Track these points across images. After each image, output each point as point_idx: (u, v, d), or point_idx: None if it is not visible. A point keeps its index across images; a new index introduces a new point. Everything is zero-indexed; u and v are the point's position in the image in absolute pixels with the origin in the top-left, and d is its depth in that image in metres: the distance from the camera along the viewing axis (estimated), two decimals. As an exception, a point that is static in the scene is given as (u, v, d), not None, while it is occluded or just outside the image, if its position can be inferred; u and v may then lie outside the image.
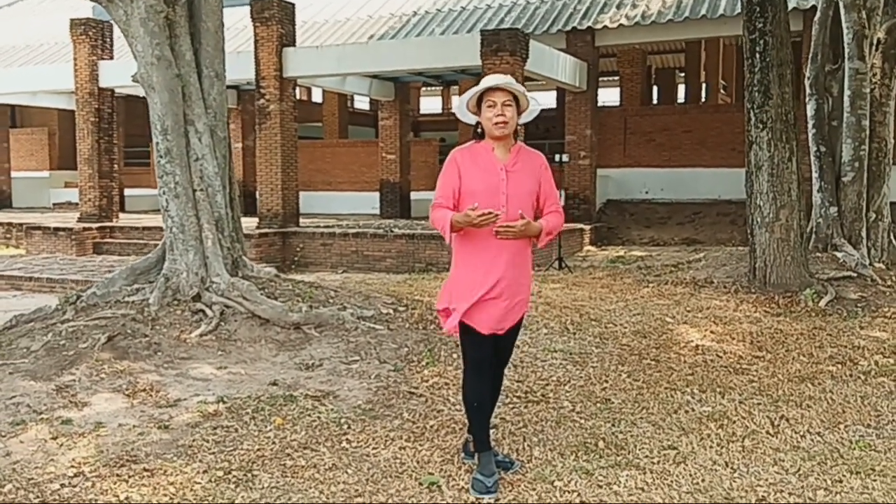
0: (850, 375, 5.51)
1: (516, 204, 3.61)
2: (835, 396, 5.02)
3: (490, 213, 3.41)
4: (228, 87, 18.97)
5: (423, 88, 26.44)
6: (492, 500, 3.55)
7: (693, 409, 4.79)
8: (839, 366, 5.76)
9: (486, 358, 3.72)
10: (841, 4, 9.13)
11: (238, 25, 18.12)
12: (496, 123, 3.56)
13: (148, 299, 6.16)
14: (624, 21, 14.78)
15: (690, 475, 3.80)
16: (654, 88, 26.53)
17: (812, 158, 9.46)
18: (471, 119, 3.69)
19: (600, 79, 24.65)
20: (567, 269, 10.95)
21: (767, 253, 8.19)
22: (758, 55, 8.11)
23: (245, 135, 19.94)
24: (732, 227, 14.45)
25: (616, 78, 24.68)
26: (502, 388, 4.19)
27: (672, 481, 3.73)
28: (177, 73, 6.16)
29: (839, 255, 8.96)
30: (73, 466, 3.84)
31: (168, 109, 6.10)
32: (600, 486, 3.68)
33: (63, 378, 4.96)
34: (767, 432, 4.37)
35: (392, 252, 12.26)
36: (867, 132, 9.12)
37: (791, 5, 13.50)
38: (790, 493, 3.59)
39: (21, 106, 23.96)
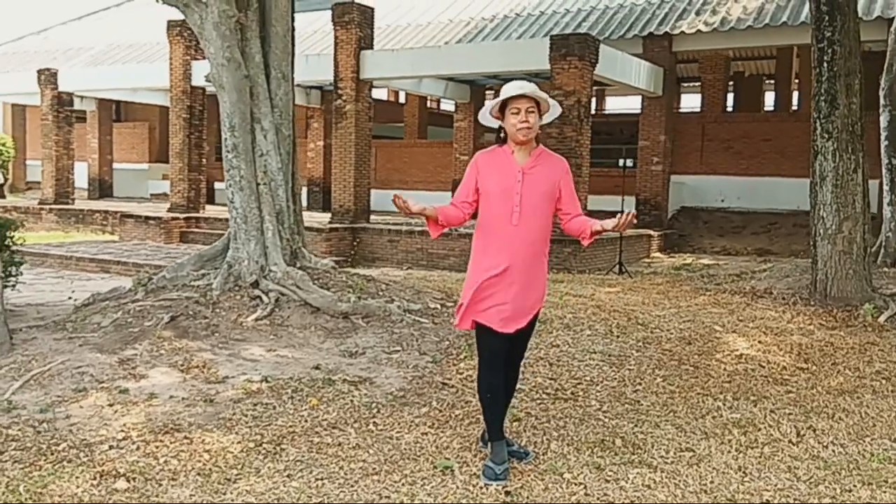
0: (893, 391, 5.42)
1: (530, 205, 3.79)
2: (869, 410, 4.96)
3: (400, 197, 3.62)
4: (313, 87, 19.69)
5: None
6: (499, 487, 3.71)
7: (721, 416, 4.82)
8: (884, 381, 5.65)
9: (499, 353, 3.87)
10: (921, 13, 8.85)
11: (325, 28, 18.71)
12: (520, 129, 3.73)
13: (211, 284, 6.57)
14: (702, 27, 14.60)
15: (700, 476, 3.87)
16: (738, 95, 25.92)
17: (883, 171, 9.21)
18: (494, 123, 3.87)
19: (684, 84, 24.35)
20: (627, 275, 10.94)
21: (829, 265, 8.03)
22: (825, 64, 7.97)
23: (327, 133, 20.54)
24: (808, 238, 14.03)
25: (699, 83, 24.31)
26: (533, 384, 4.35)
27: (680, 481, 3.82)
28: (245, 74, 6.55)
29: (908, 270, 8.68)
30: (122, 431, 4.21)
31: (236, 108, 6.50)
32: (608, 482, 3.80)
33: (126, 352, 5.38)
34: (790, 441, 4.39)
35: (455, 251, 12.50)
36: (944, 145, 8.81)
37: (875, 13, 13.08)
38: (795, 499, 3.63)
39: (125, 102, 25.36)
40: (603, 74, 12.54)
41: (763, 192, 15.62)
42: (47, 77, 20.27)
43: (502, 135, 3.85)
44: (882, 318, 7.37)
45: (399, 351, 5.98)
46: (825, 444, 4.36)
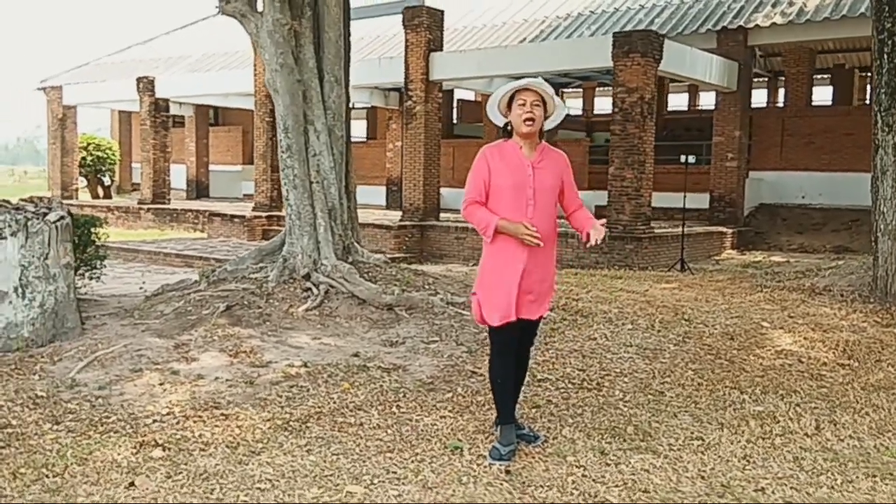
0: (935, 389, 5.30)
1: (542, 198, 3.97)
2: (902, 407, 4.90)
3: (536, 236, 3.83)
4: (392, 90, 20.14)
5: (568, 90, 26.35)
6: (502, 466, 3.90)
7: (743, 408, 4.86)
8: (929, 379, 5.53)
9: (510, 341, 4.06)
10: None
11: (399, 32, 19.15)
12: (525, 120, 3.91)
13: (268, 277, 6.99)
14: (777, 19, 14.23)
15: (702, 462, 3.96)
16: (835, 88, 24.94)
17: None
18: (500, 120, 4.06)
19: (770, 79, 23.57)
20: (689, 272, 10.84)
21: (889, 262, 7.83)
22: (885, 56, 7.77)
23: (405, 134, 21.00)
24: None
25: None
26: (562, 374, 4.50)
27: (680, 466, 3.92)
28: (298, 78, 6.94)
29: (981, 268, 8.31)
30: (167, 407, 4.62)
31: (289, 111, 6.90)
32: (608, 465, 3.94)
33: (182, 337, 5.83)
34: (806, 434, 4.40)
35: (520, 248, 12.62)
36: None
37: None
38: (791, 488, 3.68)
39: (222, 107, 26.61)
40: (668, 70, 12.43)
41: (845, 187, 15.08)
42: (145, 85, 21.52)
43: (509, 128, 4.03)
44: (944, 317, 7.14)
45: (437, 341, 6.23)
46: (842, 437, 4.36)
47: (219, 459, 3.92)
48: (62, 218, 5.78)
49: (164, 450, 4.03)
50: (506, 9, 20.53)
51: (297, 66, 6.99)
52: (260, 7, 7.03)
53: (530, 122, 3.91)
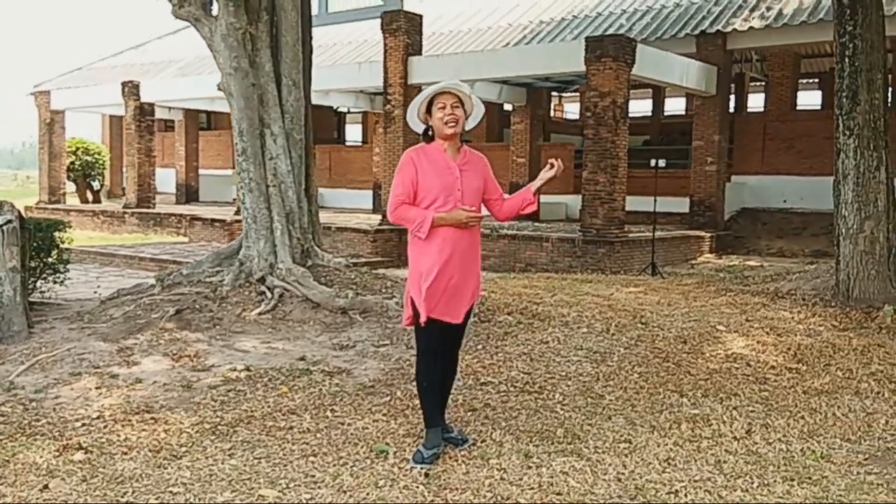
0: (877, 393, 5.29)
1: (470, 200, 3.99)
2: (839, 411, 4.89)
3: (478, 214, 3.93)
4: (377, 94, 20.08)
5: (566, 94, 26.40)
6: (423, 470, 3.90)
7: (680, 411, 4.85)
8: (874, 383, 5.52)
9: (436, 344, 4.06)
10: (961, 3, 8.47)
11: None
12: (447, 122, 3.92)
13: (223, 280, 6.99)
14: (755, 24, 14.25)
15: (623, 465, 3.96)
16: (824, 93, 24.97)
17: (922, 168, 8.82)
18: (419, 127, 4.06)
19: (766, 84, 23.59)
20: (660, 276, 10.84)
21: (851, 266, 7.81)
22: (847, 59, 7.77)
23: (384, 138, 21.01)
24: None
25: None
26: (506, 377, 4.50)
27: (600, 469, 3.91)
28: (253, 82, 6.95)
29: (945, 272, 8.31)
30: (98, 411, 4.62)
31: (244, 114, 6.91)
32: (529, 468, 3.94)
33: (127, 341, 5.83)
34: (735, 437, 4.39)
35: (495, 251, 12.66)
36: None
37: None
38: (706, 491, 3.67)
39: (213, 111, 26.62)
40: (642, 74, 12.45)
41: (826, 192, 14.97)
42: (130, 89, 21.55)
43: (430, 133, 4.03)
44: (903, 320, 7.13)
45: (388, 345, 6.23)
46: (770, 441, 4.35)
47: (138, 463, 3.92)
48: (9, 222, 5.79)
49: (85, 453, 4.03)
50: (491, 14, 20.57)
51: (253, 70, 7.01)
52: (215, 11, 7.05)
53: (453, 124, 3.92)
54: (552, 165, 4.06)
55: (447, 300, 3.97)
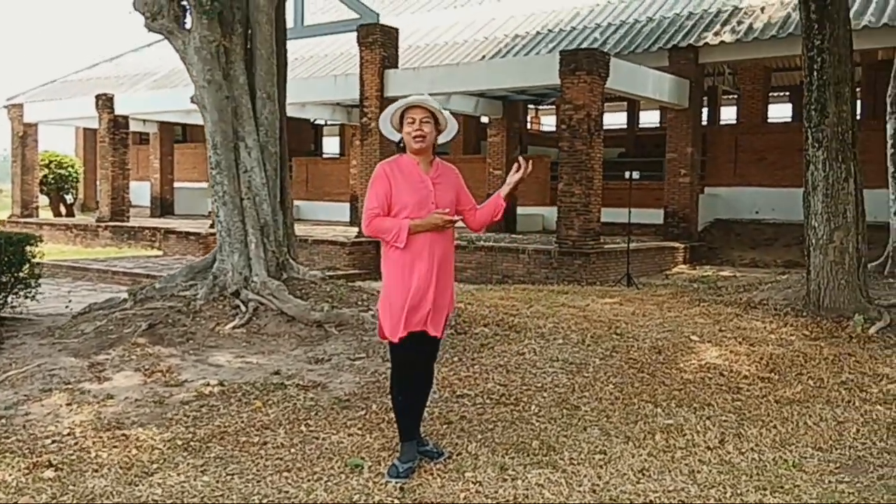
0: (848, 402, 5.36)
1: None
2: (810, 420, 4.93)
3: (453, 217, 3.93)
4: (354, 106, 20.07)
5: (542, 107, 26.60)
6: (398, 484, 3.88)
7: (655, 421, 4.88)
8: (844, 391, 5.59)
9: (411, 357, 4.05)
10: (925, 18, 8.66)
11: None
12: (415, 137, 3.94)
13: (197, 294, 6.93)
14: (726, 38, 14.46)
15: (598, 476, 3.96)
16: (795, 106, 25.37)
17: (889, 180, 9.00)
18: (395, 136, 4.07)
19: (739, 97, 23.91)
20: (635, 287, 10.91)
21: (821, 276, 7.92)
22: (815, 73, 7.90)
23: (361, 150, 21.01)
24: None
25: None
26: (482, 389, 4.50)
27: (575, 481, 3.92)
28: (227, 94, 6.93)
29: (913, 281, 8.46)
30: (69, 428, 4.55)
31: (217, 127, 6.88)
32: (505, 480, 3.93)
33: (99, 357, 5.76)
34: (708, 447, 4.42)
35: (472, 263, 12.68)
36: (949, 153, 8.58)
37: (883, 21, 12.79)
38: (680, 501, 3.69)
39: (189, 124, 26.46)
40: (616, 88, 12.57)
41: (797, 203, 15.21)
42: (104, 102, 21.36)
43: (402, 144, 4.04)
44: (872, 330, 7.23)
45: (363, 358, 6.20)
46: (744, 450, 4.38)
47: (109, 481, 3.86)
48: (-23, 236, 5.70)
49: (56, 470, 3.97)
50: (466, 27, 20.68)
51: (227, 83, 6.98)
52: (189, 24, 7.02)
53: (420, 140, 3.93)
54: (518, 167, 4.07)
55: (425, 312, 3.96)
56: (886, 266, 8.91)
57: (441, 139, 4.07)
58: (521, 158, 4.13)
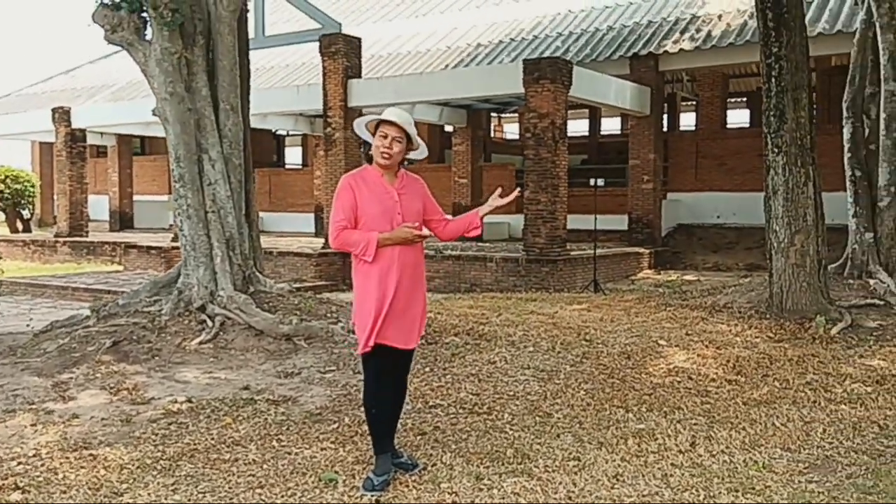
0: (814, 402, 5.45)
1: (410, 221, 3.97)
2: (778, 420, 5.01)
3: (423, 232, 3.92)
4: (317, 116, 20.00)
5: (505, 115, 26.78)
6: (374, 497, 3.85)
7: (626, 427, 4.91)
8: (810, 392, 5.68)
9: (385, 369, 4.02)
10: (878, 26, 8.89)
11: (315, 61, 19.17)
12: (382, 153, 3.93)
13: (162, 310, 6.82)
14: (685, 46, 14.71)
15: (572, 483, 3.98)
16: (753, 112, 25.83)
17: (847, 183, 9.20)
18: (369, 137, 4.05)
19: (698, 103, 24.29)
20: (602, 293, 11.00)
21: (783, 278, 8.06)
22: (773, 79, 8.06)
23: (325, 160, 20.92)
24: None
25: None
26: (455, 399, 4.47)
27: (551, 488, 3.93)
28: (189, 107, 6.85)
29: (871, 282, 8.65)
30: (35, 449, 4.44)
31: (180, 140, 6.79)
32: (481, 490, 3.93)
33: (63, 376, 5.64)
34: (680, 450, 4.46)
35: (440, 272, 12.68)
36: (905, 156, 8.80)
37: (837, 27, 13.13)
38: (654, 505, 3.72)
39: (148, 136, 26.09)
40: (579, 96, 12.71)
41: (757, 207, 15.48)
42: (60, 115, 20.99)
43: (370, 153, 4.02)
44: (835, 330, 7.38)
45: (334, 370, 6.16)
46: (714, 452, 4.43)
47: (78, 501, 3.78)
48: (-66, 255, 5.55)
49: (22, 493, 3.87)
50: (429, 37, 20.75)
51: (190, 95, 6.91)
52: (149, 36, 6.94)
53: (387, 157, 3.92)
54: (504, 194, 4.06)
55: (398, 324, 3.94)
56: (846, 268, 9.09)
57: (409, 156, 4.07)
58: (502, 189, 4.13)
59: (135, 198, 27.07)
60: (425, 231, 4.03)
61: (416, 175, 4.14)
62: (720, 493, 3.84)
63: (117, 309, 6.90)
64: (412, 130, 3.96)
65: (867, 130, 9.18)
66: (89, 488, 3.93)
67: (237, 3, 7.19)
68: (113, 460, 4.29)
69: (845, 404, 5.37)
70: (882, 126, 8.85)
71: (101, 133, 23.66)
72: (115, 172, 26.46)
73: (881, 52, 8.85)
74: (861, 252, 8.99)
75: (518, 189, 4.24)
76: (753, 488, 3.89)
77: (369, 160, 4.03)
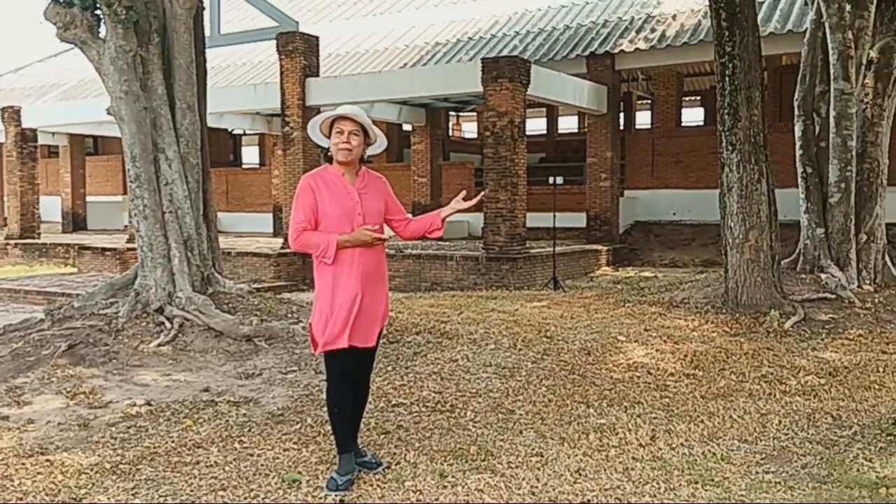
0: (769, 394, 5.57)
1: (371, 221, 3.96)
2: (735, 413, 5.11)
3: (381, 235, 3.88)
4: (274, 115, 19.82)
5: (463, 114, 26.85)
6: (338, 497, 3.84)
7: (588, 422, 4.96)
8: (765, 384, 5.81)
9: (347, 369, 4.01)
10: (827, 25, 9.11)
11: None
12: (341, 149, 3.91)
13: (118, 312, 6.71)
14: (641, 45, 14.92)
15: (536, 479, 4.01)
16: (707, 110, 26.26)
17: (799, 180, 9.42)
18: (324, 142, 4.03)
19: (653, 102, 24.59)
20: (562, 290, 11.11)
21: (738, 274, 8.23)
22: (727, 78, 8.21)
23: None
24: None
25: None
26: (417, 398, 4.46)
27: (514, 484, 3.95)
28: (145, 105, 6.74)
29: (823, 276, 8.87)
30: (-12, 456, 4.34)
31: (136, 139, 6.68)
32: (445, 487, 3.94)
33: (17, 380, 5.51)
34: (640, 444, 4.53)
35: (400, 271, 12.67)
36: (853, 153, 9.04)
37: (788, 27, 13.44)
38: (616, 498, 3.77)
39: (101, 136, 25.58)
40: (537, 95, 12.81)
41: (712, 204, 15.75)
42: (10, 114, 20.48)
43: (330, 153, 4.00)
44: (788, 324, 7.55)
45: (295, 371, 6.12)
46: (674, 445, 4.50)
47: (35, 509, 3.70)
48: None
49: (-25, 502, 3.77)
50: (386, 35, 20.71)
51: (145, 94, 6.80)
52: (103, 33, 6.81)
53: (346, 152, 3.90)
54: (468, 197, 4.09)
55: (359, 324, 3.93)
56: (798, 262, 9.30)
57: (369, 152, 4.06)
58: (466, 193, 4.16)
59: (88, 198, 26.53)
60: (385, 234, 4.01)
61: (378, 174, 4.13)
62: (680, 485, 3.91)
63: (72, 311, 6.76)
64: (367, 121, 3.96)
65: (818, 128, 9.39)
66: (46, 494, 3.85)
67: (193, 1, 7.10)
68: (71, 465, 4.21)
69: (799, 396, 5.50)
70: (832, 124, 9.07)
71: (53, 133, 23.14)
72: (67, 173, 25.90)
73: (831, 52, 9.07)
74: (813, 247, 9.21)
75: (483, 191, 4.27)
76: (712, 480, 3.96)
77: (329, 160, 4.01)
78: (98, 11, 6.85)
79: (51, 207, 26.42)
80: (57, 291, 12.54)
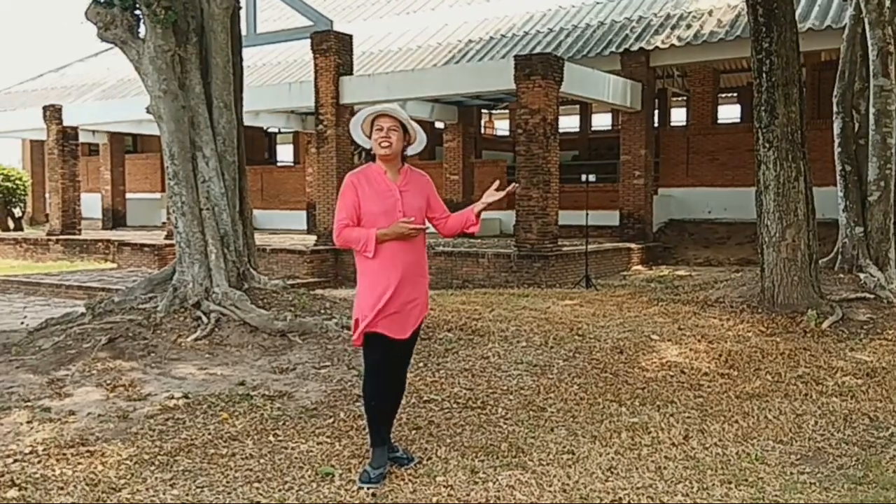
0: (805, 395, 5.51)
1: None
2: (770, 413, 5.07)
3: (418, 225, 3.93)
4: (309, 114, 19.98)
5: (496, 111, 26.77)
6: (371, 490, 3.88)
7: (620, 420, 4.96)
8: (801, 385, 5.75)
9: (383, 362, 4.06)
10: (866, 21, 8.95)
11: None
12: (381, 144, 3.96)
13: (157, 307, 6.84)
14: (675, 41, 14.77)
15: (567, 476, 4.02)
16: (743, 107, 25.91)
17: (837, 178, 9.27)
18: (366, 143, 4.08)
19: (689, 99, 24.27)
20: (594, 288, 11.06)
21: (775, 273, 8.12)
22: (764, 74, 8.11)
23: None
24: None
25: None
26: (449, 394, 4.49)
27: (545, 481, 3.97)
28: (183, 104, 6.86)
29: (862, 276, 8.73)
30: (31, 446, 4.45)
31: (174, 137, 6.80)
32: (476, 483, 3.96)
33: (59, 373, 5.65)
34: (673, 443, 4.51)
35: (432, 268, 12.59)
36: (893, 150, 8.88)
37: (827, 23, 13.21)
38: (648, 497, 3.76)
39: (141, 134, 26.02)
40: (570, 92, 12.76)
41: (748, 202, 15.56)
42: (52, 113, 20.92)
43: (372, 152, 4.06)
44: (826, 324, 7.44)
45: (329, 366, 6.19)
46: (707, 445, 4.48)
47: (76, 498, 3.79)
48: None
49: (19, 490, 3.88)
50: (419, 33, 20.75)
51: (183, 93, 6.92)
52: (142, 33, 6.94)
53: (386, 145, 3.95)
54: (501, 188, 4.12)
55: (395, 316, 3.98)
56: (836, 262, 9.17)
57: (410, 151, 4.11)
58: (498, 182, 4.18)
59: (127, 195, 27.02)
60: (421, 224, 4.05)
61: (421, 171, 4.17)
62: (713, 484, 3.90)
63: (112, 306, 6.90)
64: (405, 116, 4.01)
65: (857, 125, 9.24)
66: (87, 484, 3.94)
67: (230, 1, 7.21)
68: (110, 456, 4.31)
69: (836, 397, 5.43)
70: (871, 121, 8.92)
71: (93, 131, 23.61)
72: (107, 170, 26.41)
73: (870, 48, 8.92)
74: (851, 246, 9.07)
75: (515, 183, 4.28)
76: (746, 480, 3.94)
77: (372, 159, 4.06)
78: (137, 12, 6.98)
79: (91, 204, 26.92)
80: (97, 286, 12.79)
